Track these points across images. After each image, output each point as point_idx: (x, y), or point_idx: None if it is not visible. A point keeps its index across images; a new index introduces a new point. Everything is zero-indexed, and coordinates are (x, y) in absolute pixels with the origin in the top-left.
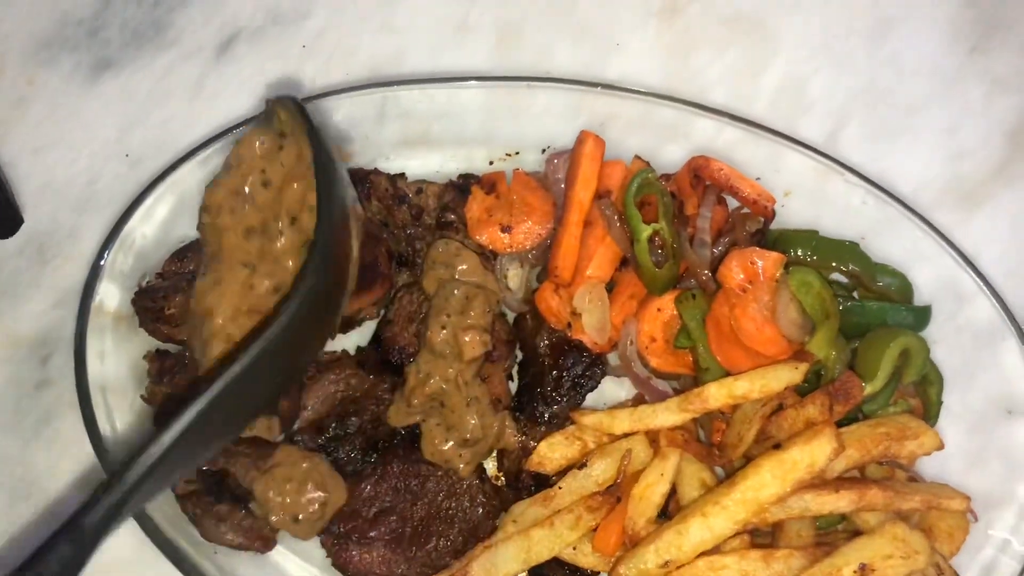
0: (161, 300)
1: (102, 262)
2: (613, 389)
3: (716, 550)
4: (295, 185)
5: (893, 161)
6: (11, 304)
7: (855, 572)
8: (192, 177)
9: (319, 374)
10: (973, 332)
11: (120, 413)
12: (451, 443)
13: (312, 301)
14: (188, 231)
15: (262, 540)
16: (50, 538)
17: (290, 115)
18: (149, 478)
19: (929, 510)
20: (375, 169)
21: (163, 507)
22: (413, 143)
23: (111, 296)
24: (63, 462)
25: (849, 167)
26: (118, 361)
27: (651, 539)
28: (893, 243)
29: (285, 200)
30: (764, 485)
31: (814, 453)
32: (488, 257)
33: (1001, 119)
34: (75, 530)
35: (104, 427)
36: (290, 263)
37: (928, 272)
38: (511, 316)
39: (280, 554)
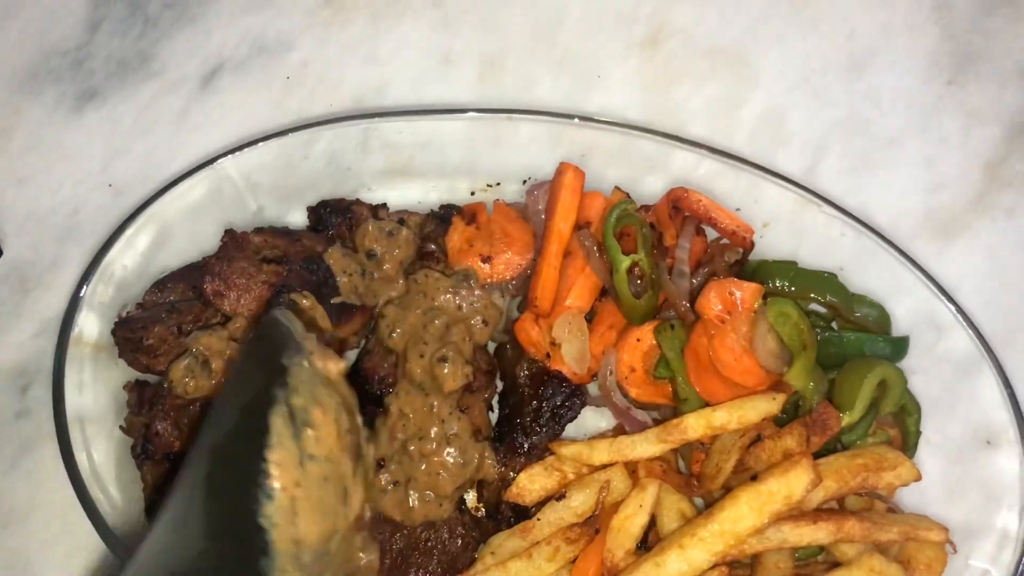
0: (140, 331)
1: (82, 293)
2: (593, 419)
3: None
4: None
5: (871, 193)
6: None
7: None
8: (173, 208)
9: None
10: (951, 363)
11: (98, 444)
12: None
13: None
14: (168, 262)
15: None
16: None
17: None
18: None
19: (908, 541)
20: (357, 200)
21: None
22: (395, 174)
23: (91, 326)
24: (41, 492)
25: (827, 199)
26: (97, 392)
27: (629, 571)
28: (871, 274)
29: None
30: (741, 517)
31: (791, 484)
32: (471, 284)
33: (978, 151)
34: None
35: (82, 458)
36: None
37: (906, 303)
38: (492, 346)
39: None
